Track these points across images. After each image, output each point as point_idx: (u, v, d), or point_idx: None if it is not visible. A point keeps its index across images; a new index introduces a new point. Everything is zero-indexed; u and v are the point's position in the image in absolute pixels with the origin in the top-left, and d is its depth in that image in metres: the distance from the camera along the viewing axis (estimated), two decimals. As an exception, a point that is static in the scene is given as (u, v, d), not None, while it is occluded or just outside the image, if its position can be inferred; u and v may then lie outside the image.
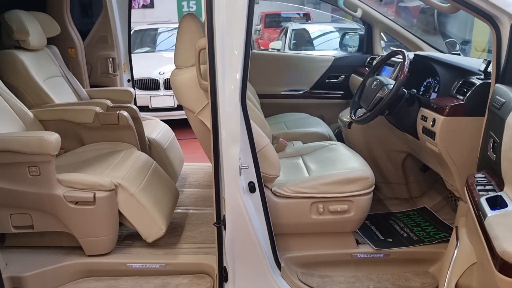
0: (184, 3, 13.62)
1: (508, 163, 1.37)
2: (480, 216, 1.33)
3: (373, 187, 2.18)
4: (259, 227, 1.98)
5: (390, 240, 2.36)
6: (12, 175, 2.18)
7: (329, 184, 2.13)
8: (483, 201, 1.36)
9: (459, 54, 3.00)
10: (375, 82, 2.40)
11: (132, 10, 3.94)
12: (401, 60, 2.35)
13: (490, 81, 1.92)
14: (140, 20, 11.53)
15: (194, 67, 2.00)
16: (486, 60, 2.07)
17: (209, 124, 1.91)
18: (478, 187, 1.49)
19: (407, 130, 2.43)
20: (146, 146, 2.99)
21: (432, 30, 8.14)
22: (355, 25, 7.72)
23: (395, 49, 2.69)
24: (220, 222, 1.98)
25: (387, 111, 2.31)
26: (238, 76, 1.77)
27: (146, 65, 6.29)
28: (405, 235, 2.42)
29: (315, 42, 8.53)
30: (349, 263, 2.27)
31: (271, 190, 2.14)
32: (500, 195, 1.35)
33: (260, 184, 1.96)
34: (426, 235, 2.40)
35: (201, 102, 2.04)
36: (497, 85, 1.79)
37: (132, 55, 3.98)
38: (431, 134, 2.13)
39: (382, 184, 2.93)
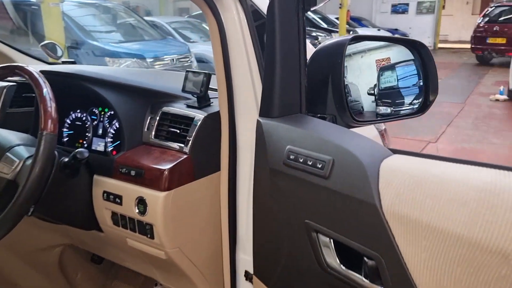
0: None
1: None
2: None
3: None
4: None
5: None
6: None
7: None
8: None
9: (74, 62, 2.00)
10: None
11: None
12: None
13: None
14: None
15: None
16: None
17: None
18: None
19: (69, 222, 1.22)
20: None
21: (18, 32, 6.01)
22: None
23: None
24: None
25: (33, 207, 1.02)
26: None
27: None
28: None
29: None
30: None
31: None
32: None
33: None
34: None
35: None
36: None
37: None
38: (141, 228, 1.06)
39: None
